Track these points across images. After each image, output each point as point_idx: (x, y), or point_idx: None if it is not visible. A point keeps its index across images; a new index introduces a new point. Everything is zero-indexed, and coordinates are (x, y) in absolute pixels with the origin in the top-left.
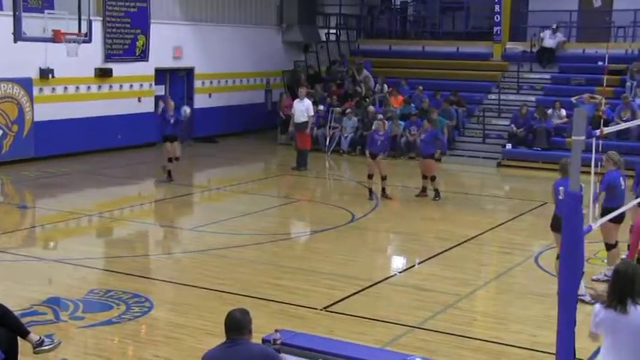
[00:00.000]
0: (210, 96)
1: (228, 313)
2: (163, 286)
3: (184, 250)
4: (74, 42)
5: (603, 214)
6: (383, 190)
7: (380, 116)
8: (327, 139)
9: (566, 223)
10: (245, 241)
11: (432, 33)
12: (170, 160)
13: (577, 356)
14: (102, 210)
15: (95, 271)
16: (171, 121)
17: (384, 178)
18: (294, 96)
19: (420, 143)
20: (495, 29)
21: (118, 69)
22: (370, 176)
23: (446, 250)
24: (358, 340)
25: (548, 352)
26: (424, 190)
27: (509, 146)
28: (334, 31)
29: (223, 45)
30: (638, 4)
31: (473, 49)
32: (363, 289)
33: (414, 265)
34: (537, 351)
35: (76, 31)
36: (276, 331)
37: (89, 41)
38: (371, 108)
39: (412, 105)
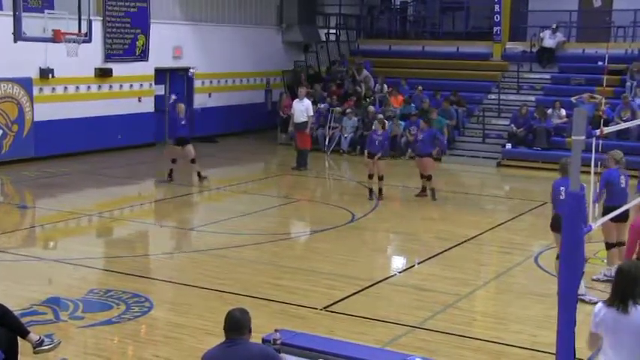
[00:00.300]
0: (210, 96)
1: (228, 313)
2: (163, 286)
3: (184, 250)
4: (74, 42)
5: (604, 213)
6: (379, 190)
7: (380, 116)
8: (327, 139)
9: (566, 223)
10: (245, 241)
11: (432, 33)
12: (174, 161)
13: (577, 356)
14: (102, 210)
15: (95, 271)
16: (182, 122)
17: (380, 179)
18: (294, 96)
19: (419, 143)
20: (495, 29)
21: (118, 69)
22: (370, 176)
23: (446, 250)
24: (358, 340)
25: (549, 352)
26: (424, 189)
27: (509, 146)
28: (334, 31)
29: (223, 45)
30: (638, 4)
31: (473, 49)
32: (363, 289)
33: (413, 265)
34: (537, 351)
35: (76, 31)
36: (276, 330)
37: (89, 41)
38: (371, 108)
39: (412, 105)
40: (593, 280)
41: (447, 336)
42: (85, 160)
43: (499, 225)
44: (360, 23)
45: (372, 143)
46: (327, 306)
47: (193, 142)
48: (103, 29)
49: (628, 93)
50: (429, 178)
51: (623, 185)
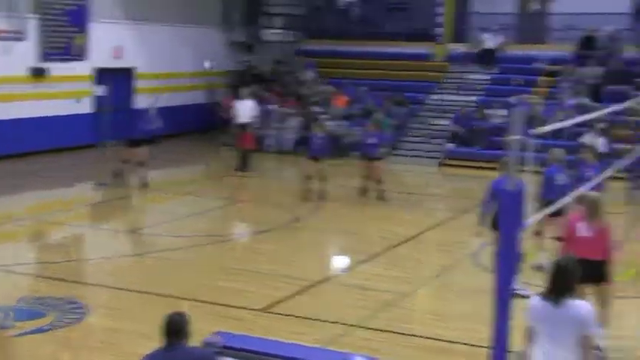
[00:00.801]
0: (156, 98)
1: (166, 317)
2: (99, 291)
3: (123, 253)
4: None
5: (542, 205)
6: (322, 192)
7: (322, 117)
8: (270, 140)
9: (503, 221)
10: (186, 243)
11: (375, 34)
12: (125, 161)
13: (511, 349)
14: (35, 213)
15: (27, 278)
16: (147, 123)
17: (322, 180)
18: (238, 96)
19: (369, 146)
20: (437, 30)
21: (55, 68)
22: (309, 177)
23: (388, 249)
24: (299, 341)
25: (489, 347)
26: (366, 190)
27: (450, 146)
28: (278, 31)
29: (165, 45)
30: (572, 8)
31: (416, 50)
32: (305, 289)
33: (356, 265)
34: (478, 346)
35: (9, 28)
36: (216, 333)
37: (24, 39)
38: (314, 109)
39: (356, 105)
40: (533, 266)
41: (389, 334)
42: (20, 162)
43: (440, 224)
44: (305, 24)
45: (314, 145)
46: (268, 307)
47: None
48: (39, 27)
49: (562, 94)
50: (379, 181)
51: (560, 182)
